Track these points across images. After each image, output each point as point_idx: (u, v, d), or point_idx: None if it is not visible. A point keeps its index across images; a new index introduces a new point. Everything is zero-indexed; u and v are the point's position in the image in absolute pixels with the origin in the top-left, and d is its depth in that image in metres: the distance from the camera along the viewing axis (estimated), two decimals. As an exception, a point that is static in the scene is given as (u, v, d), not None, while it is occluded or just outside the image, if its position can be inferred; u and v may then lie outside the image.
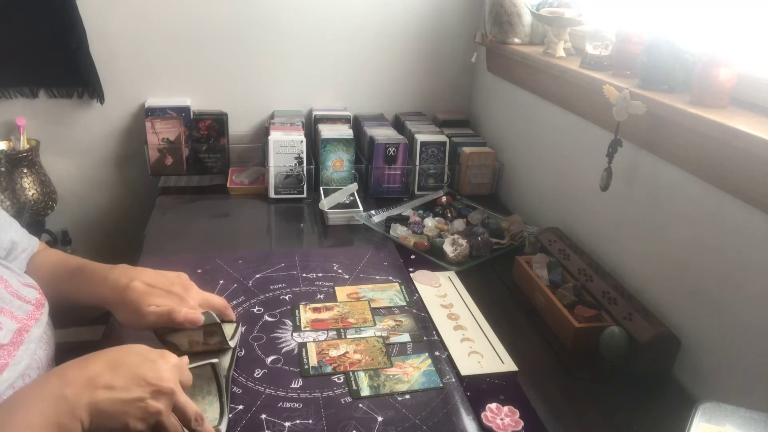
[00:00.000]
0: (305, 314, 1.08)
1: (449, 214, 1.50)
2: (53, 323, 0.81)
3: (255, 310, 1.09)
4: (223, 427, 0.75)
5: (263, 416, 0.83)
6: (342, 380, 0.91)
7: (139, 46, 1.66)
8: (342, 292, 1.16)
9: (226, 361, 0.85)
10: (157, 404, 0.62)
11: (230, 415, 0.80)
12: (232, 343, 0.88)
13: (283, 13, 1.70)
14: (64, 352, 0.82)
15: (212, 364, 0.78)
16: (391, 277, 1.22)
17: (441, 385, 0.91)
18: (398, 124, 1.83)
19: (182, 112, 1.66)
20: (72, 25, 1.55)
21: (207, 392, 0.78)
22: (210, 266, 1.22)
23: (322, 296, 1.14)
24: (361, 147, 1.72)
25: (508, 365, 0.97)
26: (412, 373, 0.93)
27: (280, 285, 1.17)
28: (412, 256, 1.32)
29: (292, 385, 0.89)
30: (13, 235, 0.88)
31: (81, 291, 0.84)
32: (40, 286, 0.81)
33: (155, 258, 1.24)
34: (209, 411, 0.76)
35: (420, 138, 1.65)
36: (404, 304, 1.13)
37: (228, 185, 1.62)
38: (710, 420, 0.61)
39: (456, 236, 1.32)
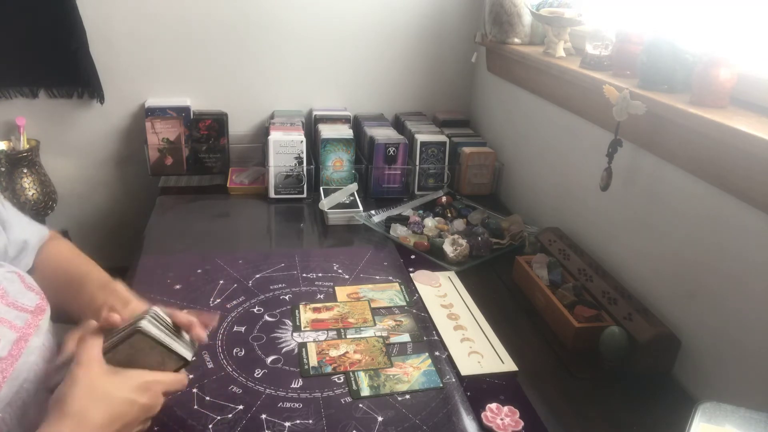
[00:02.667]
0: (305, 314, 1.08)
1: (449, 214, 1.50)
2: (59, 319, 0.81)
3: (255, 310, 1.09)
4: (188, 355, 0.74)
5: (263, 416, 0.83)
6: (342, 380, 0.91)
7: (139, 46, 1.66)
8: (342, 292, 1.16)
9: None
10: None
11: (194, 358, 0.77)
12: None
13: (283, 13, 1.70)
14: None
15: (139, 331, 0.70)
16: (391, 277, 1.22)
17: (441, 385, 0.91)
18: (398, 124, 1.83)
19: (182, 112, 1.66)
20: (72, 25, 1.55)
21: (156, 353, 0.72)
22: (210, 266, 1.22)
23: (322, 296, 1.14)
24: (361, 147, 1.72)
25: (508, 365, 0.97)
26: (412, 373, 0.93)
27: (280, 285, 1.17)
28: (412, 256, 1.32)
29: (292, 385, 0.89)
30: (26, 235, 0.86)
31: (71, 304, 0.83)
32: (41, 287, 0.80)
33: (155, 258, 1.24)
34: (168, 362, 0.73)
35: (420, 138, 1.65)
36: (404, 304, 1.13)
37: (228, 185, 1.62)
38: (710, 420, 0.61)
39: (456, 236, 1.32)
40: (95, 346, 0.68)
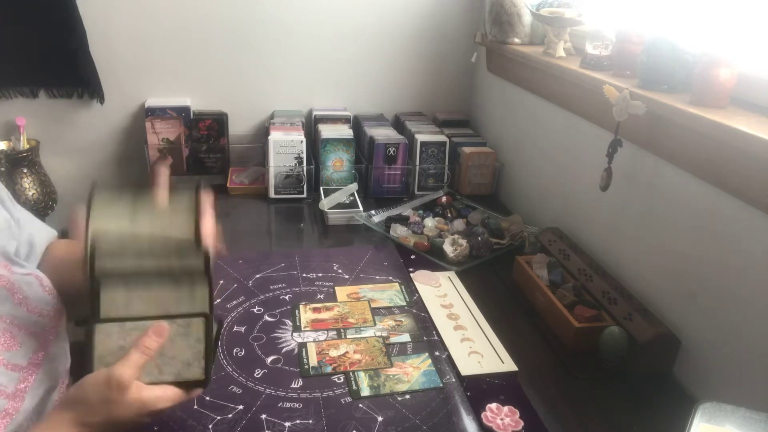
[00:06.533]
0: (305, 314, 1.08)
1: (449, 214, 1.50)
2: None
3: (255, 310, 1.09)
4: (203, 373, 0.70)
5: (263, 416, 0.83)
6: (342, 380, 0.91)
7: (139, 46, 1.66)
8: (342, 292, 1.16)
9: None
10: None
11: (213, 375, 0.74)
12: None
13: (284, 12, 1.70)
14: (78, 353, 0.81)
15: (205, 317, 0.70)
16: (391, 277, 1.22)
17: (441, 385, 0.91)
18: (398, 124, 1.83)
19: (182, 112, 1.66)
20: (72, 25, 1.55)
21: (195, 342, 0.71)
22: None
23: (322, 296, 1.14)
24: (361, 147, 1.72)
25: (508, 365, 0.97)
26: (412, 373, 0.93)
27: (280, 285, 1.17)
28: (412, 256, 1.32)
29: (292, 385, 0.89)
30: (33, 233, 0.85)
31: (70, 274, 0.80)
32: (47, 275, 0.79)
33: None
34: (195, 363, 0.70)
35: (420, 138, 1.65)
36: (404, 304, 1.13)
37: (228, 185, 1.62)
38: (710, 420, 0.61)
39: (456, 236, 1.32)
40: (134, 366, 0.67)
